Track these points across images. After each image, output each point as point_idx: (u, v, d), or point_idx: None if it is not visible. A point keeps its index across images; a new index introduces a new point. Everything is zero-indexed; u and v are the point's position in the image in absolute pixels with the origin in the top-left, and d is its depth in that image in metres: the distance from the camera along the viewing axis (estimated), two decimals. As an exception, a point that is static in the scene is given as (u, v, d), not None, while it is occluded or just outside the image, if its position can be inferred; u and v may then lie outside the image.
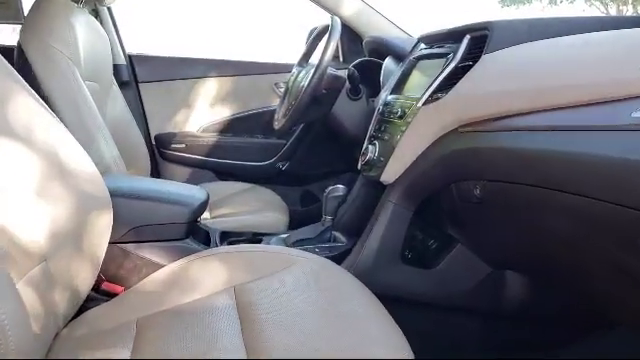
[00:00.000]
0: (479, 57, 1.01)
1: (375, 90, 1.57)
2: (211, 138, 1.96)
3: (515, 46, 0.98)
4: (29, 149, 0.79)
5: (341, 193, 1.19)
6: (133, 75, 1.87)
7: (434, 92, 1.08)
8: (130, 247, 1.01)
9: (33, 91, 0.83)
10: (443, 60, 1.13)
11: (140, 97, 1.89)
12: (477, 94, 0.97)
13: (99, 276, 0.99)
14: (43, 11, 1.20)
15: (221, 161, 1.96)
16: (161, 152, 1.93)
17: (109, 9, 1.78)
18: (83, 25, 1.35)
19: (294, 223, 1.55)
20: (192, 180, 1.94)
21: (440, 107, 1.04)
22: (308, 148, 2.03)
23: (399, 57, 1.50)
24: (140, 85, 1.88)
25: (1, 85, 0.77)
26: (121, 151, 1.63)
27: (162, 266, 1.01)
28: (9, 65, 0.81)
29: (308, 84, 1.39)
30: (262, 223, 1.38)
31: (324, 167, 2.06)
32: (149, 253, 1.01)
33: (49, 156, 0.82)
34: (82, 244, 0.87)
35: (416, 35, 1.58)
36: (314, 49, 1.65)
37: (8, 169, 0.73)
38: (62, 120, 1.17)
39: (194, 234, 1.12)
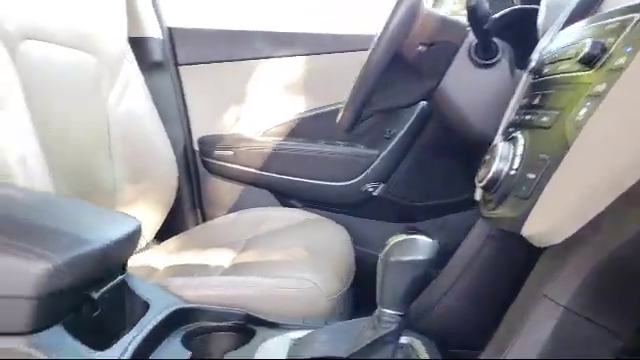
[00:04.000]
0: None
1: (525, 52, 0.86)
2: (272, 144, 1.40)
3: None
4: None
5: (421, 257, 0.50)
6: (172, 55, 1.42)
7: None
8: None
9: None
10: None
11: (181, 85, 1.43)
12: None
13: None
14: None
15: (284, 178, 1.38)
16: (204, 162, 1.43)
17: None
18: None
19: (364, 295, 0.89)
20: (242, 202, 1.40)
21: None
22: (415, 163, 1.35)
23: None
24: (180, 69, 1.42)
25: None
26: (131, 159, 1.17)
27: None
28: None
29: (383, 31, 0.75)
30: (283, 296, 0.75)
31: (441, 195, 1.36)
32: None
33: None
34: None
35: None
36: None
37: None
38: None
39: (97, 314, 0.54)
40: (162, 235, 1.27)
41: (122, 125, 1.16)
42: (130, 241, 0.58)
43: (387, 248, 0.53)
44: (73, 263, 0.48)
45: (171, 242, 1.22)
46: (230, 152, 1.40)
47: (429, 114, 1.30)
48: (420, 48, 0.81)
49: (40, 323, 0.48)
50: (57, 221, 0.54)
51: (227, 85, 1.42)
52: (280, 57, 1.41)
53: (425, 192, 1.36)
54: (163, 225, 1.27)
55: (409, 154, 1.35)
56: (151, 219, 1.23)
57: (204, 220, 1.41)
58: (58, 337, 0.49)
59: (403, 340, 0.58)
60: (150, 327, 0.58)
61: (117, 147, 1.15)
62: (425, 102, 1.21)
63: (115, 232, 0.56)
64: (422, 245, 0.52)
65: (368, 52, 1.37)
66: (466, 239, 0.71)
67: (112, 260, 0.56)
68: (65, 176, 0.89)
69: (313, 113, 1.42)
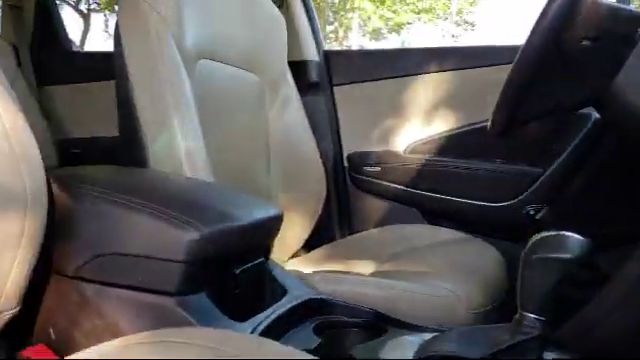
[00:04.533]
0: None
1: None
2: (421, 161, 1.38)
3: None
4: None
5: (569, 255, 0.44)
6: (328, 75, 1.51)
7: None
8: (90, 289, 0.57)
9: None
10: None
11: (334, 103, 1.50)
12: None
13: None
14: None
15: (433, 196, 1.35)
16: (353, 177, 1.47)
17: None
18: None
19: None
20: (388, 218, 1.40)
21: None
22: (587, 184, 1.21)
23: None
24: (334, 88, 1.50)
25: None
26: (285, 170, 1.27)
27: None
28: None
29: (539, 20, 0.70)
30: (419, 301, 0.72)
31: (618, 223, 1.19)
32: (113, 305, 0.55)
33: None
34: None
35: None
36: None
37: None
38: (131, 82, 0.89)
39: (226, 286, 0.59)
40: (310, 245, 1.34)
41: (279, 138, 1.27)
42: (271, 224, 0.63)
43: (530, 244, 0.48)
44: (218, 234, 0.54)
45: (317, 252, 1.28)
46: (378, 168, 1.42)
47: (603, 125, 1.16)
48: (585, 43, 0.74)
49: (187, 287, 0.54)
50: (209, 199, 0.62)
51: (378, 102, 1.46)
52: (431, 73, 1.40)
53: (598, 218, 1.20)
54: (311, 236, 1.34)
55: (579, 173, 1.22)
56: (299, 228, 1.31)
57: (351, 233, 1.45)
58: (202, 302, 0.55)
59: (549, 357, 0.51)
60: (284, 309, 0.61)
61: (274, 158, 1.26)
62: (597, 112, 1.09)
63: (258, 214, 0.61)
64: (571, 242, 0.46)
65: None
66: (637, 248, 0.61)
67: (253, 239, 0.61)
68: (226, 177, 1.00)
69: (466, 129, 1.37)
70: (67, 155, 1.63)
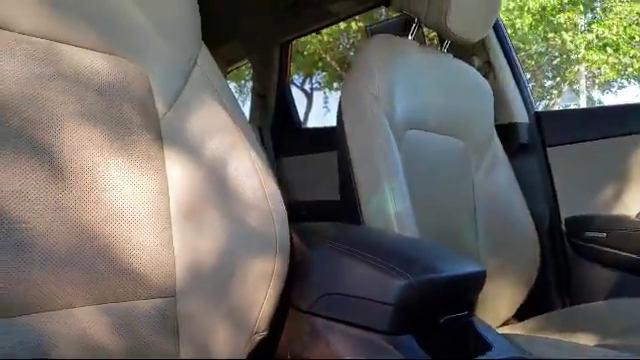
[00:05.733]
0: None
1: None
2: (659, 226, 1.25)
3: None
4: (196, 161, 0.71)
5: None
6: (540, 137, 1.49)
7: None
8: (319, 323, 0.71)
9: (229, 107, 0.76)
10: None
11: (548, 165, 1.47)
12: None
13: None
14: (361, 51, 1.16)
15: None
16: (572, 243, 1.39)
17: (508, 55, 1.52)
18: (412, 64, 1.19)
19: None
20: (616, 290, 1.28)
21: None
22: None
23: None
24: (548, 149, 1.47)
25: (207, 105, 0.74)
26: (494, 232, 1.29)
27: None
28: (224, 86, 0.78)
29: None
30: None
31: None
32: (337, 338, 0.67)
33: (214, 174, 0.70)
34: (226, 291, 0.68)
35: None
36: None
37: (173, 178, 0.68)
38: (350, 154, 1.05)
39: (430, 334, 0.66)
40: (523, 314, 1.31)
41: (487, 200, 1.31)
42: (473, 279, 0.69)
43: None
44: (423, 283, 0.63)
45: (531, 321, 1.24)
46: (603, 234, 1.33)
47: None
48: None
49: (397, 328, 0.64)
50: (418, 252, 0.71)
51: (599, 163, 1.40)
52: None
53: None
54: (525, 305, 1.31)
55: None
56: (511, 296, 1.29)
57: (571, 304, 1.36)
58: (409, 343, 0.63)
59: None
60: (487, 363, 0.66)
61: (482, 220, 1.30)
62: None
63: (461, 268, 0.68)
64: None
65: None
66: None
67: (456, 291, 0.68)
68: (433, 239, 1.09)
69: None
70: (296, 216, 1.94)
